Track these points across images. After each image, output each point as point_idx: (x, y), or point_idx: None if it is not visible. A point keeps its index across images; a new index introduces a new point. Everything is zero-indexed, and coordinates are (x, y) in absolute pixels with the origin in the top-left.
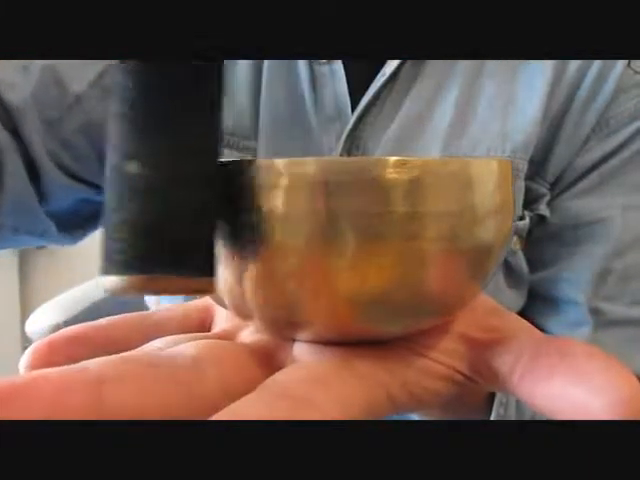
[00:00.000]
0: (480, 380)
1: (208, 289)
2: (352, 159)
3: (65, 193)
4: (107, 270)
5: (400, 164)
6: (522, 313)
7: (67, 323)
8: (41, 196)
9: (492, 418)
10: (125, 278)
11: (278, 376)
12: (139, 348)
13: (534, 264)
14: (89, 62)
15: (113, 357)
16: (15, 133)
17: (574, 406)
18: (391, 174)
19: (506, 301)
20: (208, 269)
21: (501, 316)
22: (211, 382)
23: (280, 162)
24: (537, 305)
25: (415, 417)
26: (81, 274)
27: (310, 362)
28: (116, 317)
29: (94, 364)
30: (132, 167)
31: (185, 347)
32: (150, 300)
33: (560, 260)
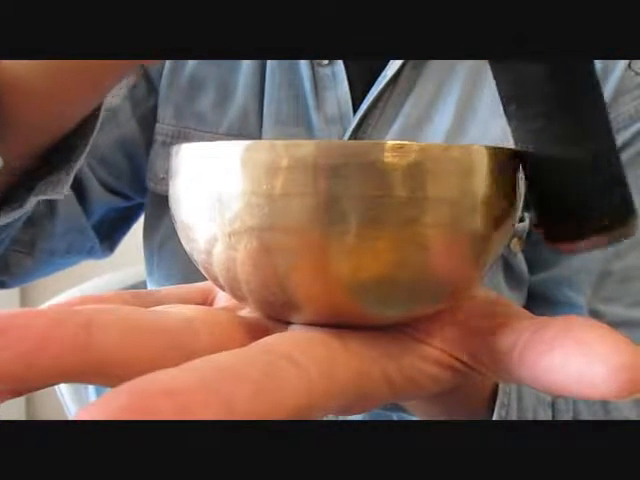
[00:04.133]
0: (481, 368)
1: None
2: (350, 142)
3: (103, 207)
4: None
5: (397, 148)
6: None
7: None
8: (87, 213)
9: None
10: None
11: (265, 338)
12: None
13: (534, 265)
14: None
15: (108, 305)
16: None
17: (576, 375)
18: (388, 158)
19: None
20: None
21: (502, 305)
22: (202, 340)
23: (279, 143)
24: (537, 306)
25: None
26: (81, 274)
27: (301, 332)
28: (118, 292)
29: (89, 307)
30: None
31: (181, 308)
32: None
33: (560, 261)
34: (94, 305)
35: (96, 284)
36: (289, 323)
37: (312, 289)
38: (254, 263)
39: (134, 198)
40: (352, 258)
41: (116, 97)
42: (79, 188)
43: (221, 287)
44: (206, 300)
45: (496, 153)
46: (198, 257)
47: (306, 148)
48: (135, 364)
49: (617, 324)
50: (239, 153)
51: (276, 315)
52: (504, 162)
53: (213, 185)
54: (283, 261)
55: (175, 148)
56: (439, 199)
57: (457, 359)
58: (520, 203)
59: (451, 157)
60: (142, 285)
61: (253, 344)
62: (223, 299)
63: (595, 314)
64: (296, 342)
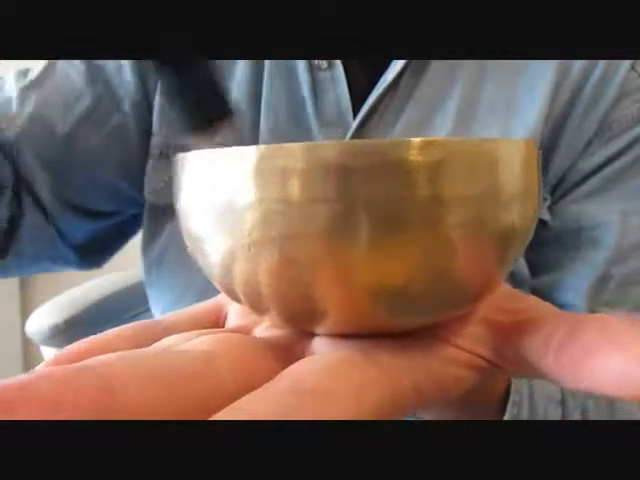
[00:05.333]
0: (505, 365)
1: None
2: (372, 141)
3: (75, 225)
4: None
5: (424, 145)
6: None
7: (67, 323)
8: (58, 231)
9: (505, 418)
10: None
11: (292, 368)
12: (148, 347)
13: (535, 268)
14: (74, 101)
15: (120, 354)
16: (18, 176)
17: (616, 378)
18: (415, 156)
19: None
20: None
21: (522, 299)
22: (227, 378)
23: (297, 146)
24: None
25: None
26: (81, 274)
27: (327, 353)
28: (124, 327)
29: (100, 362)
30: None
31: (196, 342)
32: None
33: (561, 265)
34: (105, 358)
35: (96, 284)
36: (312, 334)
37: (337, 297)
38: (276, 274)
39: (118, 212)
40: (376, 264)
41: (66, 124)
42: (44, 211)
43: (238, 301)
44: (217, 321)
45: (522, 144)
46: (213, 271)
47: (324, 149)
48: (158, 413)
49: None
50: (253, 159)
51: (300, 326)
52: (528, 154)
53: (227, 195)
54: (307, 270)
55: (180, 157)
56: (466, 197)
57: (481, 357)
58: (541, 194)
59: (477, 152)
60: (142, 285)
61: (276, 379)
62: (234, 317)
63: None
64: (325, 370)
